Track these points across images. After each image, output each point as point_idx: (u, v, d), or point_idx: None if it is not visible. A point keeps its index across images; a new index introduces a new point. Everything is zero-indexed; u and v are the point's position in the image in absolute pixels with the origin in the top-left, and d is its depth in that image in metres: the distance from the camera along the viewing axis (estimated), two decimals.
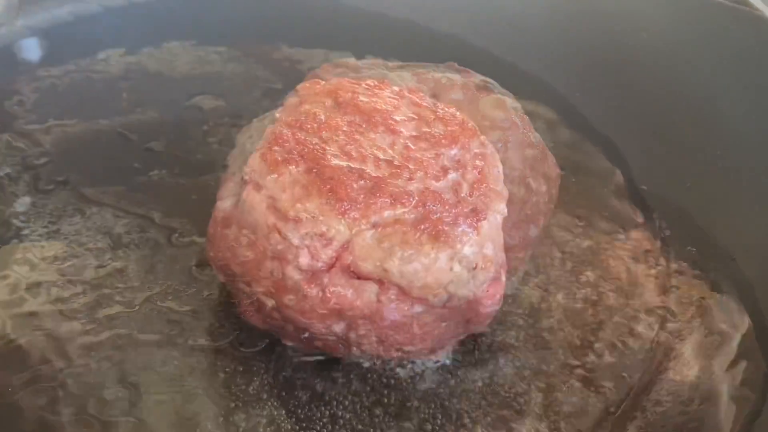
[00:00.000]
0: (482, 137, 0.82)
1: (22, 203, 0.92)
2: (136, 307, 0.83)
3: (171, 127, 1.04)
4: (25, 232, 0.89)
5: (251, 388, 0.78)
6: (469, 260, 0.72)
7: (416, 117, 0.78)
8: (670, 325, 0.88)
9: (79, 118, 1.04)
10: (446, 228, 0.71)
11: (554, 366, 0.83)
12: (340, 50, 1.19)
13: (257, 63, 1.16)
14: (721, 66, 1.04)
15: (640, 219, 1.00)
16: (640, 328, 0.88)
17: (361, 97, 0.78)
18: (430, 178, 0.74)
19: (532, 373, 0.82)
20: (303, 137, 0.73)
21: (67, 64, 1.11)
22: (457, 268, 0.71)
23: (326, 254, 0.70)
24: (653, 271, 0.94)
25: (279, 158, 0.72)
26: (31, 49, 1.14)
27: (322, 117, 0.76)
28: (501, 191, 0.78)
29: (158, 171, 0.98)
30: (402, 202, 0.71)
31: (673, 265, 0.95)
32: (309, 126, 0.74)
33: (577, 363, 0.84)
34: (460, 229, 0.71)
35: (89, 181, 0.96)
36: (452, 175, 0.75)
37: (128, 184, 0.96)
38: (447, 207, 0.72)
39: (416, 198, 0.72)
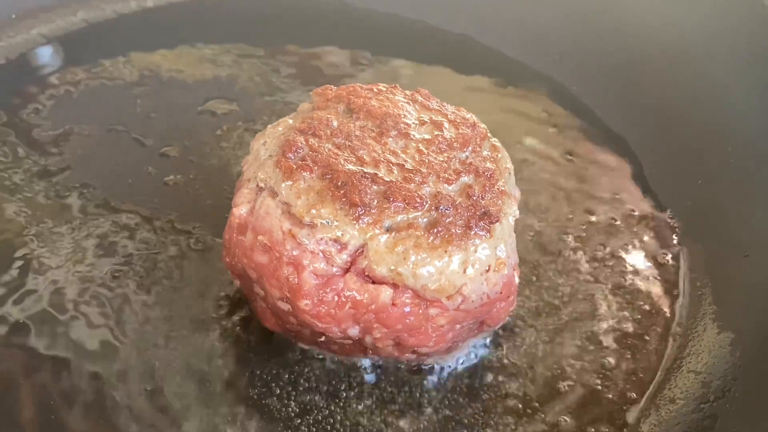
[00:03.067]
0: (493, 139, 0.82)
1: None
2: (154, 310, 0.85)
3: (185, 133, 1.05)
4: (44, 238, 0.91)
5: (265, 388, 0.79)
6: (482, 262, 0.72)
7: (428, 120, 0.79)
8: (683, 322, 0.88)
9: (94, 124, 1.05)
10: (459, 231, 0.72)
11: (566, 363, 0.84)
12: (352, 51, 1.20)
13: (270, 66, 1.17)
14: (733, 62, 1.04)
15: (651, 214, 1.00)
16: (653, 325, 0.88)
17: (373, 102, 0.79)
18: (443, 182, 0.74)
19: (544, 370, 0.83)
20: (316, 144, 0.74)
21: (82, 71, 1.13)
22: (470, 270, 0.72)
23: (341, 259, 0.71)
24: (666, 269, 0.94)
25: (293, 165, 0.73)
26: (46, 57, 1.15)
27: (335, 123, 0.77)
28: (513, 193, 0.79)
29: (173, 176, 1.00)
30: (415, 206, 0.72)
31: (685, 261, 0.95)
32: (322, 132, 0.75)
33: (590, 359, 0.84)
34: (472, 232, 0.72)
35: (106, 187, 0.97)
36: (464, 178, 0.76)
37: (144, 190, 0.97)
38: (459, 210, 0.73)
39: (429, 201, 0.73)
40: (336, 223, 0.70)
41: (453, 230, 0.72)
